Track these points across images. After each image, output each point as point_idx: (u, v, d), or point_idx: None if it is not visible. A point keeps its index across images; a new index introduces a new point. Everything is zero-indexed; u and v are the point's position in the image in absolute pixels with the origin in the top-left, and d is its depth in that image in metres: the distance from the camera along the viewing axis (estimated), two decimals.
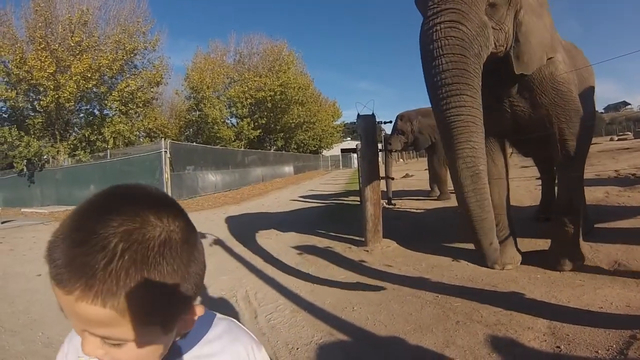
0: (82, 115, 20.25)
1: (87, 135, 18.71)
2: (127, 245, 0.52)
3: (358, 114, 5.52)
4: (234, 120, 29.59)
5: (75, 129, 20.31)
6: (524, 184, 8.69)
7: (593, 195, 6.38)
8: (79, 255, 0.52)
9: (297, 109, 31.33)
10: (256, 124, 28.37)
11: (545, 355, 2.31)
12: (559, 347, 2.35)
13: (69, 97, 16.90)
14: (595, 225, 4.72)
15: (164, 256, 0.55)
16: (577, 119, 3.64)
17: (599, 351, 2.25)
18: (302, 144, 38.72)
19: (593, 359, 2.20)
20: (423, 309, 3.11)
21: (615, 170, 9.74)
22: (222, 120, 26.52)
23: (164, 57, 21.99)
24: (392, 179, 8.09)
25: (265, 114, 29.61)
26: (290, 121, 31.68)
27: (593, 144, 5.25)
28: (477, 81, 2.89)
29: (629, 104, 59.83)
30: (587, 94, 4.31)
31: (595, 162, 10.39)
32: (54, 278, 0.55)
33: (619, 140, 24.96)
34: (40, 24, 17.24)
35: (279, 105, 29.57)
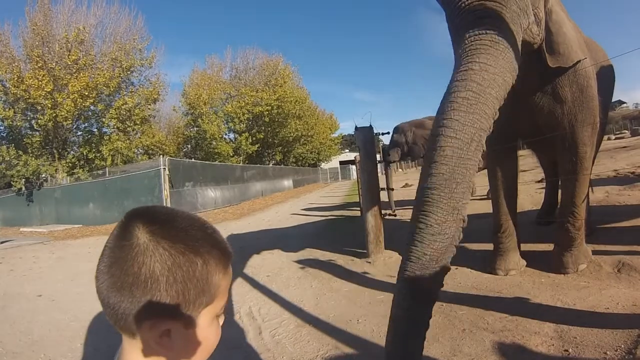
0: (80, 133, 20.41)
1: (85, 154, 18.80)
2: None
3: (356, 127, 5.54)
4: (231, 136, 29.76)
5: (74, 147, 20.40)
6: (524, 187, 8.66)
7: (594, 195, 6.36)
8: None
9: (295, 122, 31.51)
10: (254, 138, 28.47)
11: (553, 359, 2.30)
12: (567, 350, 2.34)
13: (66, 115, 17.02)
14: (598, 226, 4.70)
15: None
16: (592, 119, 3.52)
17: (608, 352, 2.23)
18: (301, 158, 38.84)
19: None
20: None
21: (615, 170, 9.75)
22: (220, 135, 26.65)
23: (160, 73, 22.28)
24: (392, 189, 8.10)
25: (263, 128, 29.76)
26: (288, 135, 31.83)
27: None
28: (518, 31, 2.24)
29: (624, 103, 59.91)
30: (605, 94, 4.21)
31: (595, 162, 10.44)
32: (228, 262, 0.72)
33: (616, 139, 24.99)
34: (37, 43, 17.45)
35: (276, 120, 29.77)
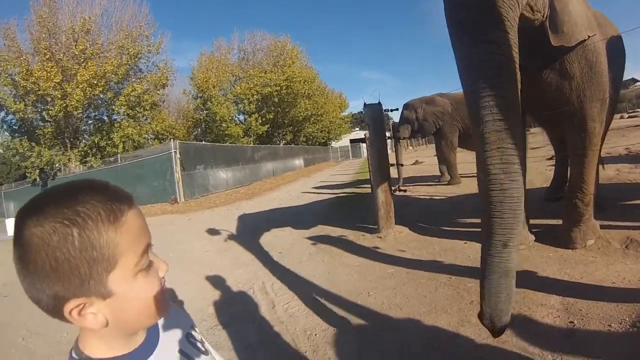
0: (90, 122, 20.65)
1: (96, 142, 19.04)
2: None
3: (365, 104, 5.51)
4: (241, 117, 29.76)
5: (85, 135, 20.67)
6: (535, 165, 8.60)
7: (604, 173, 6.28)
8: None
9: (304, 102, 31.41)
10: (264, 119, 28.51)
11: (558, 330, 2.34)
12: (572, 322, 2.37)
13: (76, 105, 17.19)
14: (607, 203, 4.66)
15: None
16: (601, 95, 3.46)
17: (612, 324, 2.26)
18: (311, 137, 38.79)
19: (606, 333, 2.22)
20: (437, 290, 3.15)
21: (626, 148, 9.58)
22: (229, 117, 26.68)
23: (168, 59, 22.34)
24: (402, 165, 8.10)
25: (273, 109, 29.75)
26: (298, 115, 31.76)
27: None
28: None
29: (638, 81, 58.25)
30: (616, 69, 4.08)
31: (606, 139, 10.30)
32: (127, 198, 0.68)
33: (629, 117, 24.39)
34: (44, 35, 17.57)
35: (286, 100, 29.69)
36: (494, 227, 1.99)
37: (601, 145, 4.20)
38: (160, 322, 0.79)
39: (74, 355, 0.67)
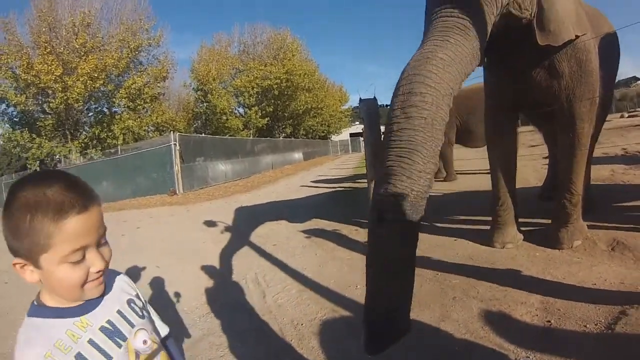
0: (91, 114, 20.77)
1: (97, 133, 19.12)
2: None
3: (360, 99, 5.56)
4: (241, 110, 29.81)
5: (85, 127, 20.78)
6: (531, 163, 8.62)
7: (599, 173, 6.29)
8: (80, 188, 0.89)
9: (304, 95, 31.34)
10: (264, 112, 28.54)
11: (535, 328, 2.41)
12: (549, 321, 2.44)
13: (77, 97, 17.28)
14: (598, 204, 4.68)
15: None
16: (591, 94, 3.44)
17: (588, 325, 2.33)
18: (311, 130, 38.75)
19: (581, 333, 2.28)
20: (422, 286, 3.22)
21: (623, 148, 9.55)
22: (229, 110, 26.72)
23: (168, 52, 22.39)
24: None
25: (273, 102, 29.75)
26: (298, 108, 31.74)
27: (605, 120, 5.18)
28: (490, 12, 2.36)
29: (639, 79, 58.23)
30: (609, 67, 4.04)
31: (604, 140, 10.21)
32: (81, 205, 0.85)
33: (629, 117, 24.25)
34: (44, 29, 17.62)
35: (286, 93, 29.67)
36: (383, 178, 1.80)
37: (593, 146, 4.24)
38: (107, 290, 1.00)
39: (34, 302, 0.92)
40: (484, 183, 5.71)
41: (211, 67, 26.62)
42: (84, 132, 20.28)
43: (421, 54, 2.00)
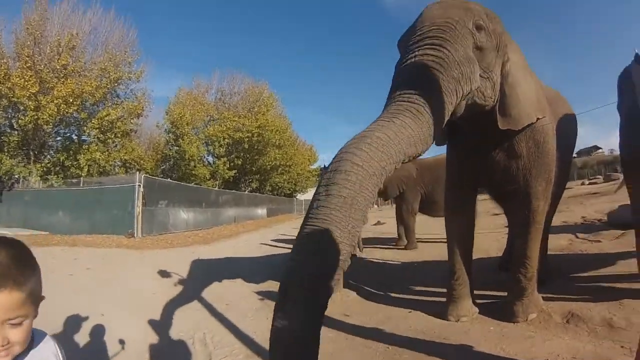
0: (59, 138, 20.10)
1: (61, 160, 18.49)
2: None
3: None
4: (210, 159, 29.71)
5: (51, 152, 20.03)
6: (492, 232, 8.85)
7: (557, 242, 6.49)
8: None
9: (274, 151, 31.59)
10: (232, 164, 28.52)
11: None
12: None
13: (48, 119, 16.78)
14: (555, 275, 4.83)
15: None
16: (547, 174, 3.63)
17: None
18: (277, 187, 38.74)
19: None
20: (373, 359, 3.26)
21: (582, 217, 9.94)
22: (199, 157, 26.61)
23: (147, 89, 22.05)
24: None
25: (242, 154, 29.84)
26: (267, 163, 31.86)
27: (566, 188, 5.43)
28: (449, 102, 2.47)
29: (600, 148, 62.69)
30: (566, 146, 4.38)
31: (564, 208, 10.28)
32: (4, 289, 0.93)
33: (589, 184, 25.56)
34: (29, 42, 17.29)
35: (256, 147, 29.88)
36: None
37: (551, 216, 4.46)
38: (34, 349, 1.07)
39: None
40: (444, 252, 6.00)
41: (186, 111, 26.68)
42: (48, 156, 19.60)
43: (360, 133, 2.03)
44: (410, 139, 2.09)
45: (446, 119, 2.46)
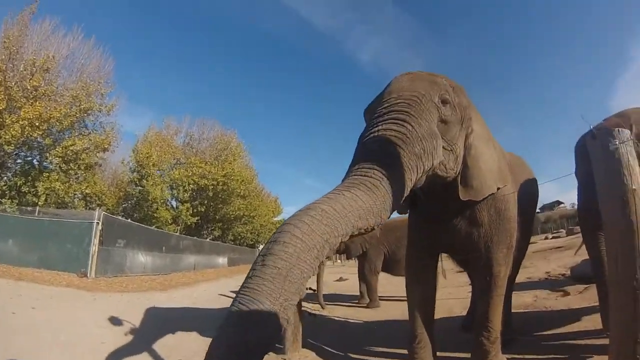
0: (19, 161, 19.04)
1: (18, 184, 17.54)
2: None
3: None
4: (174, 203, 29.10)
5: (8, 174, 19.01)
6: (456, 290, 8.82)
7: (522, 299, 6.51)
8: None
9: (238, 201, 31.45)
10: (195, 210, 28.03)
11: None
12: None
13: (10, 140, 16.04)
14: (519, 334, 4.76)
15: None
16: (508, 240, 3.66)
17: None
18: (240, 236, 38.28)
19: None
20: None
21: (546, 272, 10.08)
22: (162, 200, 26.04)
23: (116, 123, 21.55)
24: (311, 290, 8.22)
25: (206, 201, 29.50)
26: (230, 212, 31.60)
27: (531, 243, 5.48)
28: (409, 178, 2.47)
29: (562, 203, 65.25)
30: (527, 212, 4.47)
31: (528, 263, 10.46)
32: None
33: (553, 238, 26.16)
34: (3, 57, 16.77)
35: (221, 196, 29.71)
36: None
37: (514, 276, 4.45)
38: None
39: None
40: (406, 312, 5.91)
41: (153, 152, 26.41)
42: (5, 178, 18.54)
43: (307, 205, 2.00)
44: (361, 212, 2.06)
45: (406, 194, 2.46)
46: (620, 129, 2.32)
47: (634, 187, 2.19)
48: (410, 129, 2.56)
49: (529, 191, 4.82)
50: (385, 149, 2.44)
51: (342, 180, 2.29)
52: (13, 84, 16.74)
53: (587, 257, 4.76)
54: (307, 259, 1.78)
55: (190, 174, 27.67)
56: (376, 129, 2.58)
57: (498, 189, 3.48)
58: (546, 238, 26.95)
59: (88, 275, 12.08)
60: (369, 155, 2.39)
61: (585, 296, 6.43)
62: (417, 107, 2.72)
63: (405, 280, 4.28)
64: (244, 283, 1.70)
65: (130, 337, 6.01)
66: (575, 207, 6.08)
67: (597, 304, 4.55)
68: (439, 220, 3.73)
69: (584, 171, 4.10)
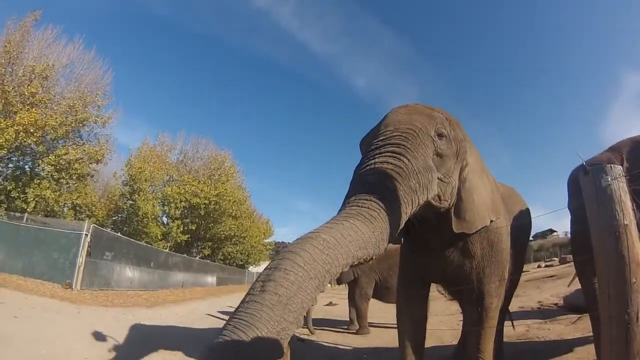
0: (11, 166, 18.84)
1: (8, 189, 17.32)
2: None
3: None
4: (164, 219, 28.95)
5: None
6: (447, 319, 8.67)
7: (514, 330, 6.36)
8: None
9: (230, 221, 31.37)
10: (186, 228, 27.86)
11: None
12: None
13: (3, 144, 15.89)
14: None
15: None
16: (501, 272, 3.67)
17: None
18: (230, 256, 37.88)
19: None
20: None
21: (539, 302, 10.00)
22: (153, 216, 25.84)
23: (111, 135, 21.65)
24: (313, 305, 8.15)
25: (197, 220, 29.37)
26: (221, 232, 31.48)
27: (523, 272, 5.47)
28: (404, 211, 2.49)
29: (555, 231, 65.09)
30: (520, 243, 4.51)
31: (521, 292, 10.35)
32: None
33: (545, 266, 26.06)
34: (3, 61, 16.90)
35: (212, 215, 29.68)
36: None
37: (504, 311, 4.43)
38: None
39: None
40: (396, 339, 5.85)
41: (146, 167, 26.37)
42: None
43: (307, 234, 1.99)
44: (360, 242, 2.07)
45: (401, 226, 2.48)
46: (612, 165, 2.36)
47: (626, 222, 2.22)
48: (407, 162, 2.59)
49: (521, 222, 4.86)
50: (382, 182, 2.46)
51: (339, 211, 2.31)
52: (11, 88, 16.79)
53: (580, 286, 4.79)
54: (308, 288, 1.77)
55: (182, 192, 27.67)
56: (373, 161, 2.61)
57: (491, 221, 3.52)
58: (539, 266, 26.98)
59: (73, 286, 11.86)
60: (366, 187, 2.41)
61: (578, 326, 6.41)
62: (413, 140, 2.76)
63: (396, 308, 4.26)
64: (240, 307, 1.68)
65: (113, 354, 5.87)
66: (568, 235, 6.14)
67: (590, 334, 4.55)
68: (431, 250, 3.73)
69: (577, 205, 4.17)
